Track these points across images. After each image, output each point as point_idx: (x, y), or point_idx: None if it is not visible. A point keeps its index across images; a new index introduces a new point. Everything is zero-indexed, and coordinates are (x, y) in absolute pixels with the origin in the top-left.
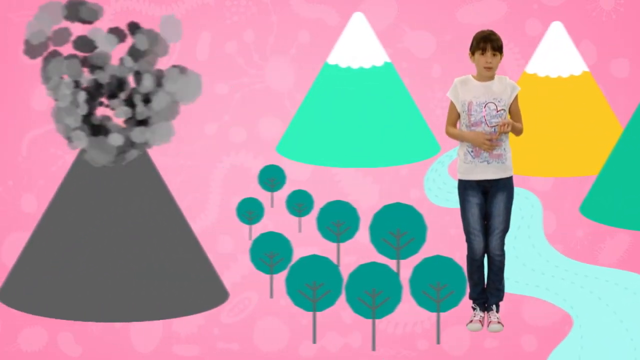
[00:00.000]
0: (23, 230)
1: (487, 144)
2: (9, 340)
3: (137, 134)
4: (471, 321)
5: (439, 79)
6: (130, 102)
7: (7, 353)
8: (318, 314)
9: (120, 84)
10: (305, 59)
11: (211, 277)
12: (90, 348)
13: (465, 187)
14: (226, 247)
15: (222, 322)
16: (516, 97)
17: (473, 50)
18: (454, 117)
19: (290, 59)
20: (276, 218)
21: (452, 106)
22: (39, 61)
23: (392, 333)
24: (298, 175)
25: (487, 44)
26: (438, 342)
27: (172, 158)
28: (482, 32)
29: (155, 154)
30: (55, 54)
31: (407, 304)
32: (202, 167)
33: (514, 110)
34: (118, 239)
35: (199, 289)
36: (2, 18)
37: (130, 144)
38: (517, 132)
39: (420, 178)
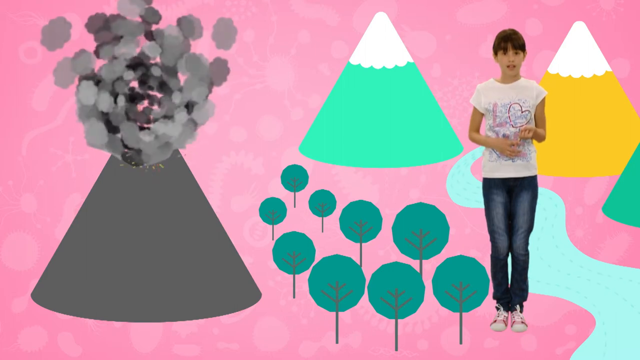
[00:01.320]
0: (23, 230)
1: (509, 149)
2: (9, 340)
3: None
4: (495, 321)
5: (439, 78)
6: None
7: (7, 353)
8: (317, 314)
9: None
10: (305, 59)
11: (244, 277)
12: (90, 348)
13: (490, 186)
14: None
15: (222, 322)
16: (543, 103)
17: (495, 50)
18: (476, 122)
19: (290, 59)
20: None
21: (475, 112)
22: (38, 61)
23: (392, 333)
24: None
25: (507, 43)
26: (461, 342)
27: None
28: (504, 31)
29: None
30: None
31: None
32: (202, 167)
33: (539, 115)
34: (151, 239)
35: (232, 289)
36: (2, 18)
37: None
38: (540, 138)
39: (419, 179)
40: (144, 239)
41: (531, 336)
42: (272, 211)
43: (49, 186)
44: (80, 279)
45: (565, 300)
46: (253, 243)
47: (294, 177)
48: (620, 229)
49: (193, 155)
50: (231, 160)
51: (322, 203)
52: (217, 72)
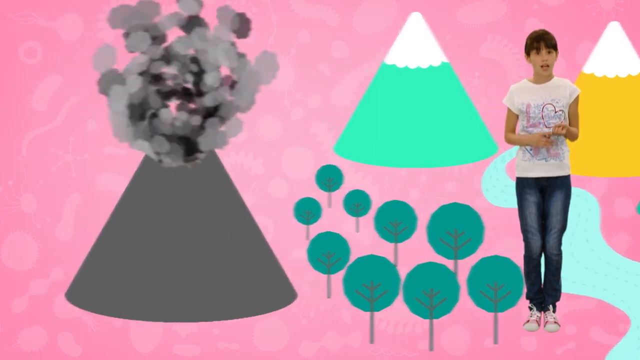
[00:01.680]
0: (23, 230)
1: (543, 140)
2: (9, 340)
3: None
4: (528, 321)
5: None
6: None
7: (7, 353)
8: (317, 314)
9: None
10: (305, 59)
11: (279, 276)
12: (90, 348)
13: (523, 185)
14: None
15: (222, 322)
16: (576, 101)
17: (528, 50)
18: (511, 123)
19: (290, 59)
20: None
21: (509, 113)
22: (38, 61)
23: (392, 333)
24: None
25: (540, 42)
26: (495, 342)
27: None
28: (535, 31)
29: None
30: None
31: (403, 304)
32: None
33: (572, 114)
34: (187, 239)
35: (267, 288)
36: (2, 18)
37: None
38: (573, 137)
39: (419, 179)
40: (179, 239)
41: (531, 336)
42: (307, 211)
43: (49, 186)
44: (114, 279)
45: (565, 300)
46: None
47: (329, 177)
48: (620, 228)
49: None
50: (231, 160)
51: (357, 203)
52: (266, 68)
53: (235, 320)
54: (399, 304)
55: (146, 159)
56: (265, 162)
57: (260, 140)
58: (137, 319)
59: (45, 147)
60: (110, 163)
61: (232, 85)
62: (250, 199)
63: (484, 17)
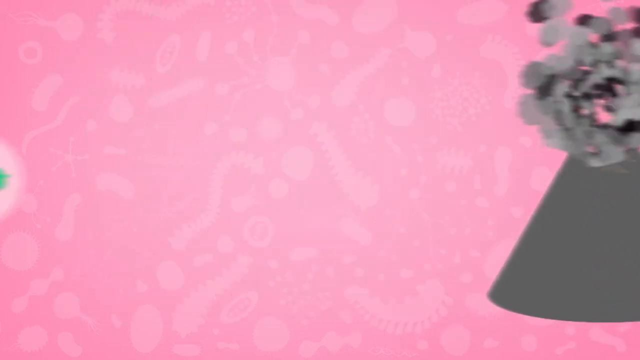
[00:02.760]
0: (23, 230)
1: None
2: (9, 340)
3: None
4: None
5: (439, 79)
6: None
7: (7, 353)
8: (317, 314)
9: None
10: (305, 59)
11: None
12: (90, 348)
13: None
14: (226, 247)
15: (222, 322)
16: None
17: None
18: None
19: (290, 59)
20: None
21: None
22: (38, 61)
23: (392, 333)
24: (299, 175)
25: None
26: None
27: (172, 158)
28: None
29: (153, 153)
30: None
31: (402, 304)
32: (202, 167)
33: None
34: (621, 237)
35: None
36: (2, 18)
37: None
38: None
39: (419, 178)
40: (614, 237)
41: (531, 336)
42: None
43: (49, 186)
44: (547, 279)
45: None
46: (253, 243)
47: None
48: None
49: (192, 155)
50: (231, 160)
51: None
52: None
53: (235, 321)
54: (398, 305)
55: (570, 158)
56: (265, 162)
57: (260, 140)
58: (572, 319)
59: (45, 147)
60: (110, 163)
61: None
62: (250, 199)
63: (484, 17)
